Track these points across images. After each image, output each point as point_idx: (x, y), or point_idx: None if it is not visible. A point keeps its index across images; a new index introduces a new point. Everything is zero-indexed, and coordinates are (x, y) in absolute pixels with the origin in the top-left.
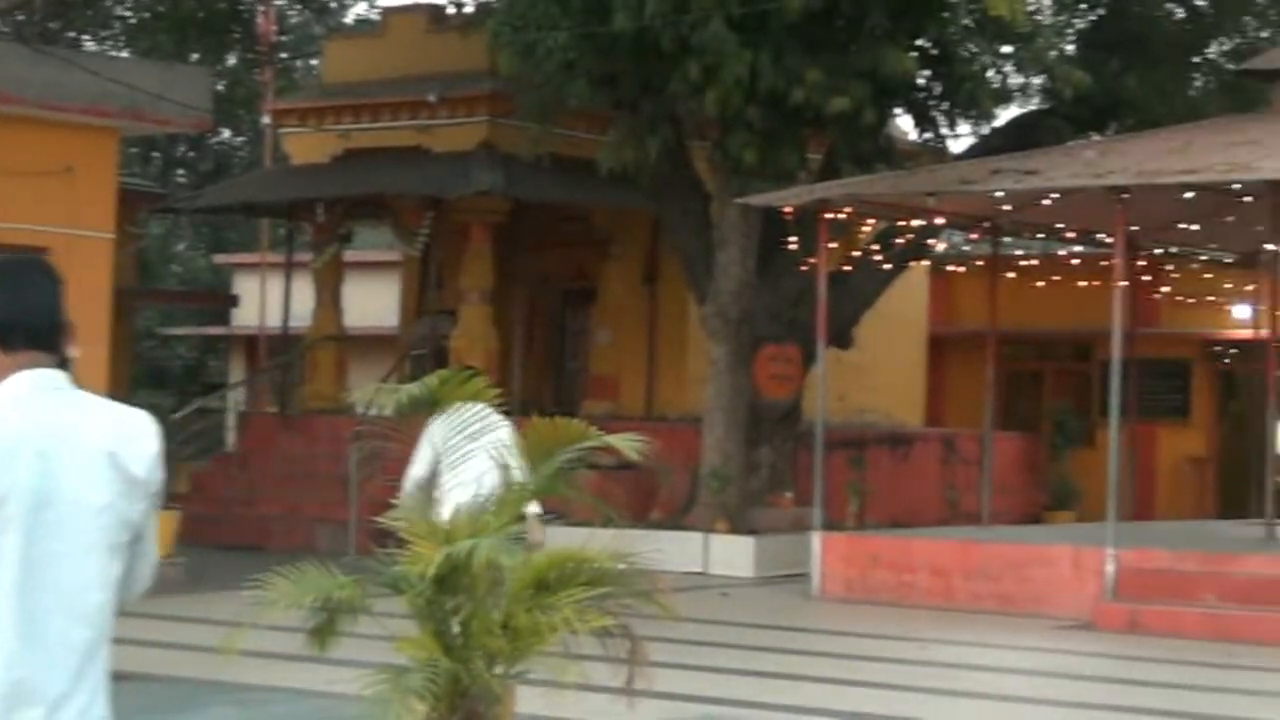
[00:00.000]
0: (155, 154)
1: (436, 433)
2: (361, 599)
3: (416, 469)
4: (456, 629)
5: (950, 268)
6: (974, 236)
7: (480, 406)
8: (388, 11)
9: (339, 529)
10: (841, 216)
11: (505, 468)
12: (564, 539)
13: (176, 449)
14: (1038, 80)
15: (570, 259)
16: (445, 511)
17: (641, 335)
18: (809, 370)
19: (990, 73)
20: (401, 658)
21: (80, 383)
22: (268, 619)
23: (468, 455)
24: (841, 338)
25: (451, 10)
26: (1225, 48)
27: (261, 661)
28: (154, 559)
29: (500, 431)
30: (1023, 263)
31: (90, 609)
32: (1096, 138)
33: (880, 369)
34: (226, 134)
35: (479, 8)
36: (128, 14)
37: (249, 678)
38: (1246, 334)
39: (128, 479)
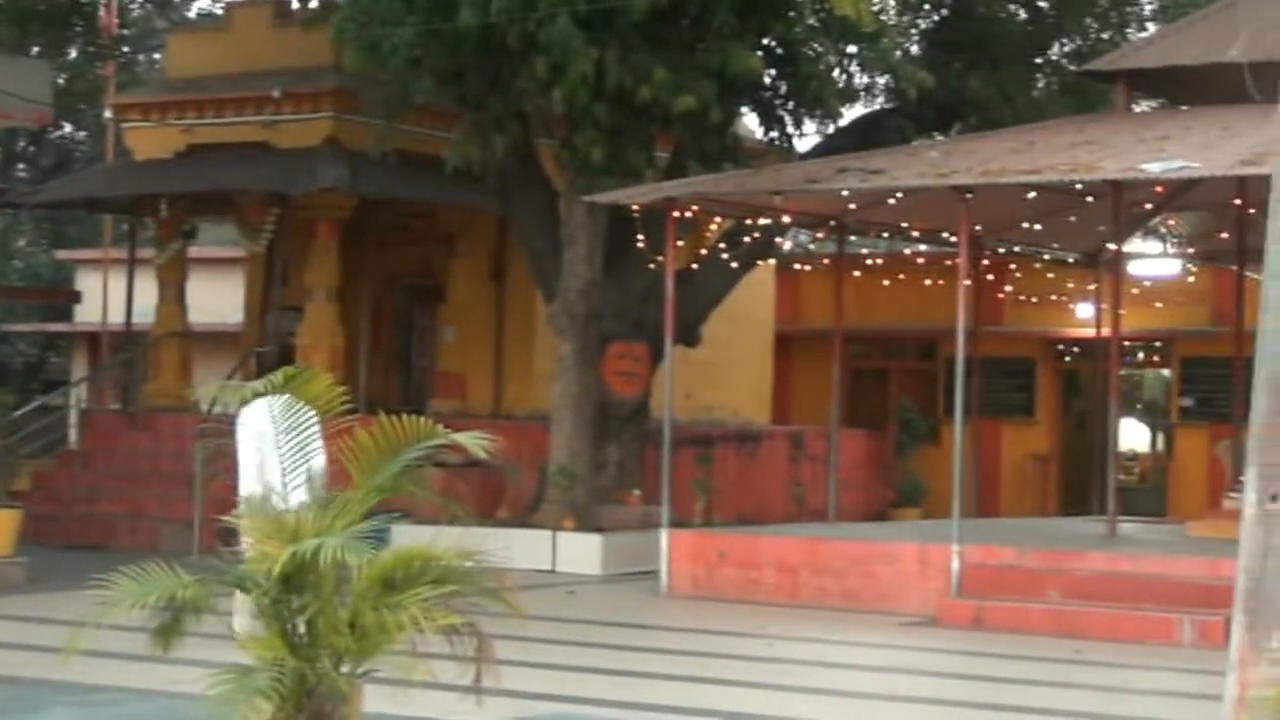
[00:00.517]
0: None
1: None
2: (206, 598)
3: (246, 461)
4: (303, 628)
5: (797, 266)
6: (820, 235)
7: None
8: (231, 5)
9: (183, 528)
10: (688, 215)
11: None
12: (411, 537)
13: (17, 446)
14: (882, 80)
15: (417, 256)
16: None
17: (489, 333)
18: (656, 368)
19: (836, 72)
20: (247, 657)
21: None
22: (111, 618)
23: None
24: (689, 335)
25: (296, 5)
26: (1067, 49)
27: (106, 661)
28: None
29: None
30: (868, 261)
31: None
32: (941, 138)
33: (727, 367)
34: (68, 128)
35: (323, 3)
36: None
37: (93, 678)
38: (1089, 333)
39: None
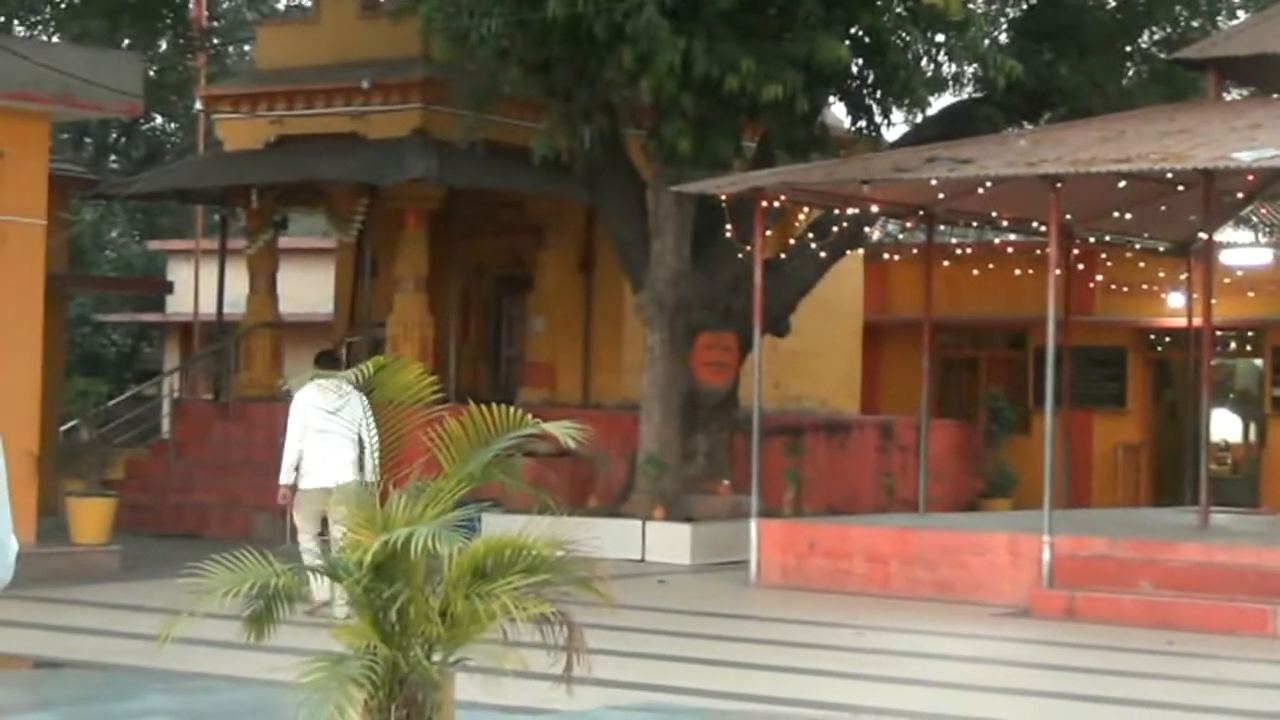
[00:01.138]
0: (87, 139)
1: (303, 410)
2: (299, 587)
3: (293, 441)
4: (394, 617)
5: (885, 256)
6: (909, 225)
7: (334, 382)
8: None
9: (276, 517)
10: (777, 204)
11: (360, 440)
12: (502, 526)
13: (111, 436)
14: (971, 69)
15: (505, 246)
16: (310, 477)
17: (577, 323)
18: (745, 358)
19: (924, 61)
20: (339, 645)
21: (11, 369)
22: (205, 606)
23: (328, 431)
24: (777, 325)
25: None
26: (1157, 37)
27: (200, 649)
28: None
29: (355, 404)
30: (957, 251)
31: None
32: (1030, 127)
33: (816, 356)
34: (159, 120)
35: None
36: None
37: (187, 666)
38: (1181, 322)
39: None
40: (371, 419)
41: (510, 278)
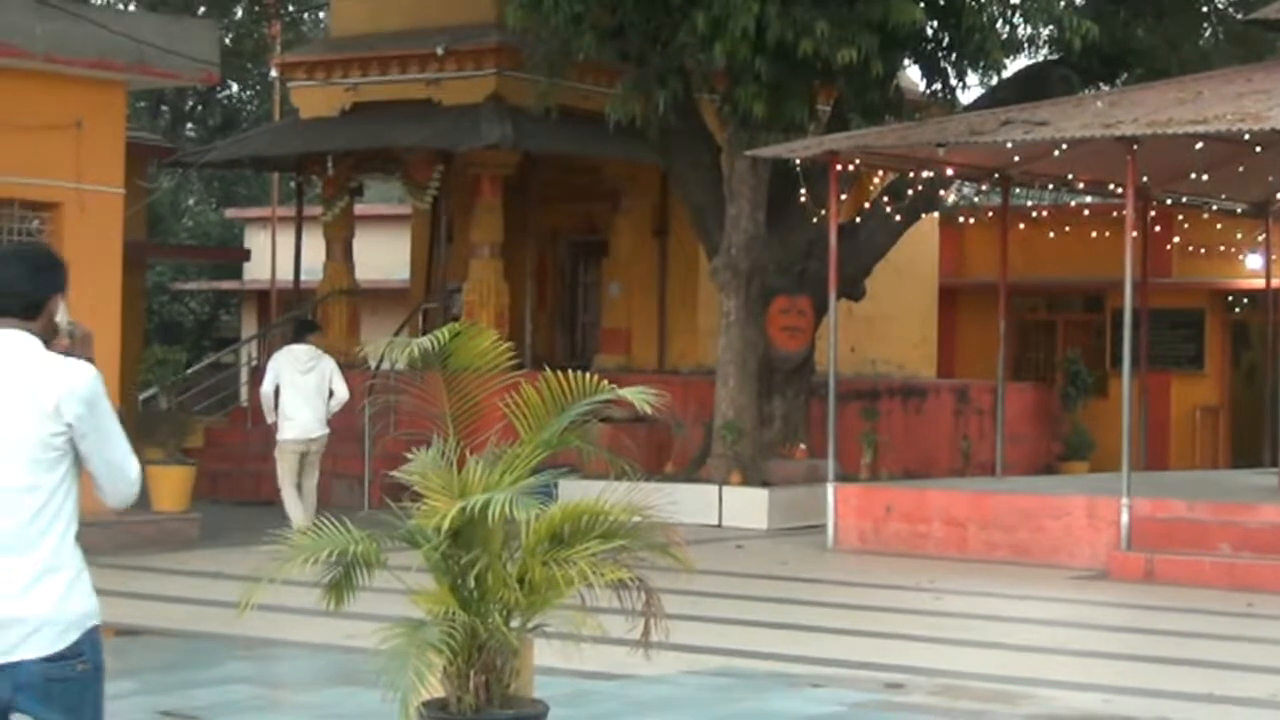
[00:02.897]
0: (164, 108)
1: (279, 364)
2: (377, 553)
3: (266, 386)
4: (472, 583)
5: (961, 219)
6: (984, 188)
7: (310, 348)
8: None
9: (354, 483)
10: (851, 168)
11: (331, 392)
12: (578, 492)
13: (189, 404)
14: (1046, 31)
15: (580, 212)
16: (289, 419)
17: (653, 289)
18: (820, 322)
19: (999, 23)
20: (418, 611)
21: (95, 335)
22: (285, 574)
23: (296, 384)
24: (853, 289)
25: None
26: None
27: (279, 616)
28: (118, 471)
29: (326, 365)
30: (1033, 214)
31: (13, 502)
32: (1105, 88)
33: (892, 320)
34: (234, 88)
35: None
36: None
37: (267, 633)
38: (1258, 284)
39: (42, 410)
40: (340, 377)
41: (585, 243)
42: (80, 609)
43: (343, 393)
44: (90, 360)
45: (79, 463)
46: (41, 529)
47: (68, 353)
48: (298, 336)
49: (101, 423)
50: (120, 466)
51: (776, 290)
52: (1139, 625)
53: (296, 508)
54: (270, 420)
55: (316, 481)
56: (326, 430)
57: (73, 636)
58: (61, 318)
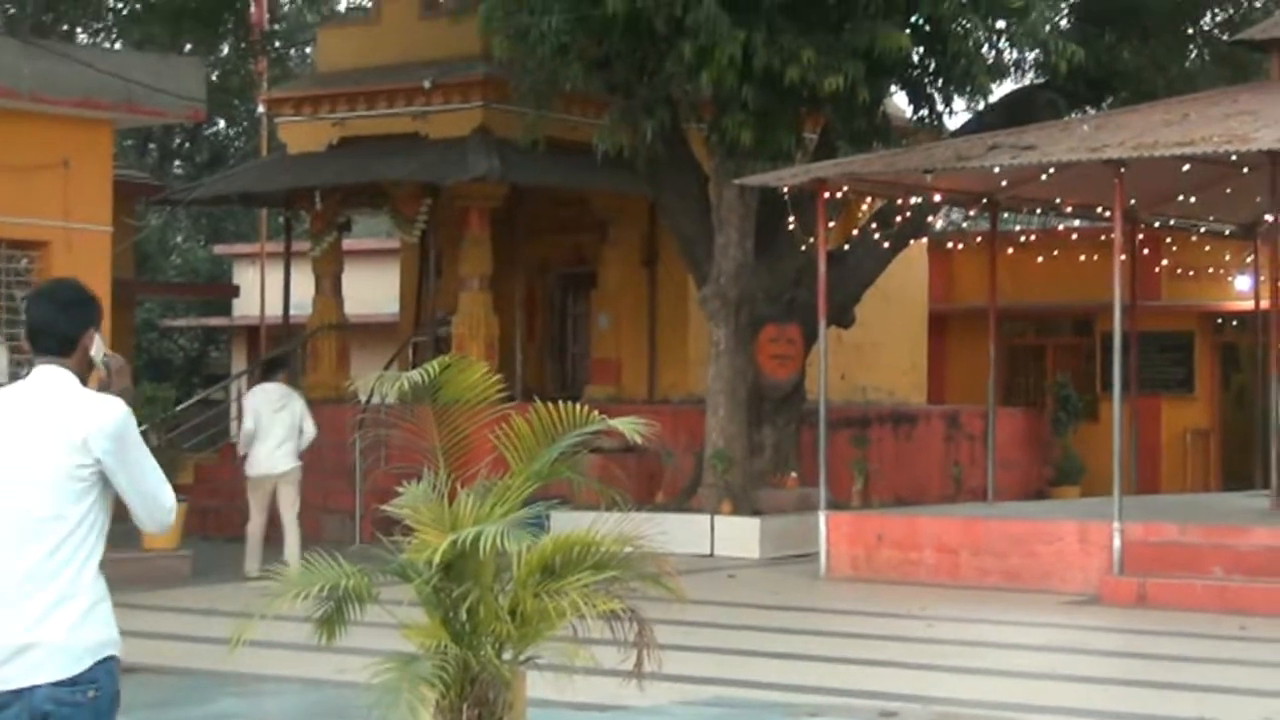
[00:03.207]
0: (151, 145)
1: (256, 401)
2: (369, 587)
3: (248, 423)
4: (464, 616)
5: (949, 244)
6: (972, 213)
7: (280, 386)
8: None
9: (344, 518)
10: (839, 195)
11: (301, 430)
12: (570, 523)
13: (179, 440)
14: (1032, 55)
15: (569, 243)
16: (258, 455)
17: (642, 319)
18: (810, 350)
19: (985, 48)
20: (410, 645)
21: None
22: (276, 609)
23: (270, 421)
24: (842, 316)
25: None
26: (1219, 18)
27: (271, 652)
28: (153, 501)
29: (297, 404)
30: (1022, 238)
31: (38, 530)
32: (1093, 112)
33: (882, 347)
34: (222, 124)
35: None
36: (120, 5)
37: (260, 668)
38: (1248, 305)
39: (70, 443)
40: (309, 416)
41: (574, 274)
42: (96, 638)
43: (311, 431)
44: (127, 389)
45: (107, 495)
46: (64, 559)
47: (104, 385)
48: (267, 375)
49: (131, 455)
50: (154, 496)
51: (766, 318)
52: (1132, 650)
53: (255, 553)
54: (243, 454)
55: (298, 512)
56: (298, 463)
57: (86, 663)
58: (96, 350)
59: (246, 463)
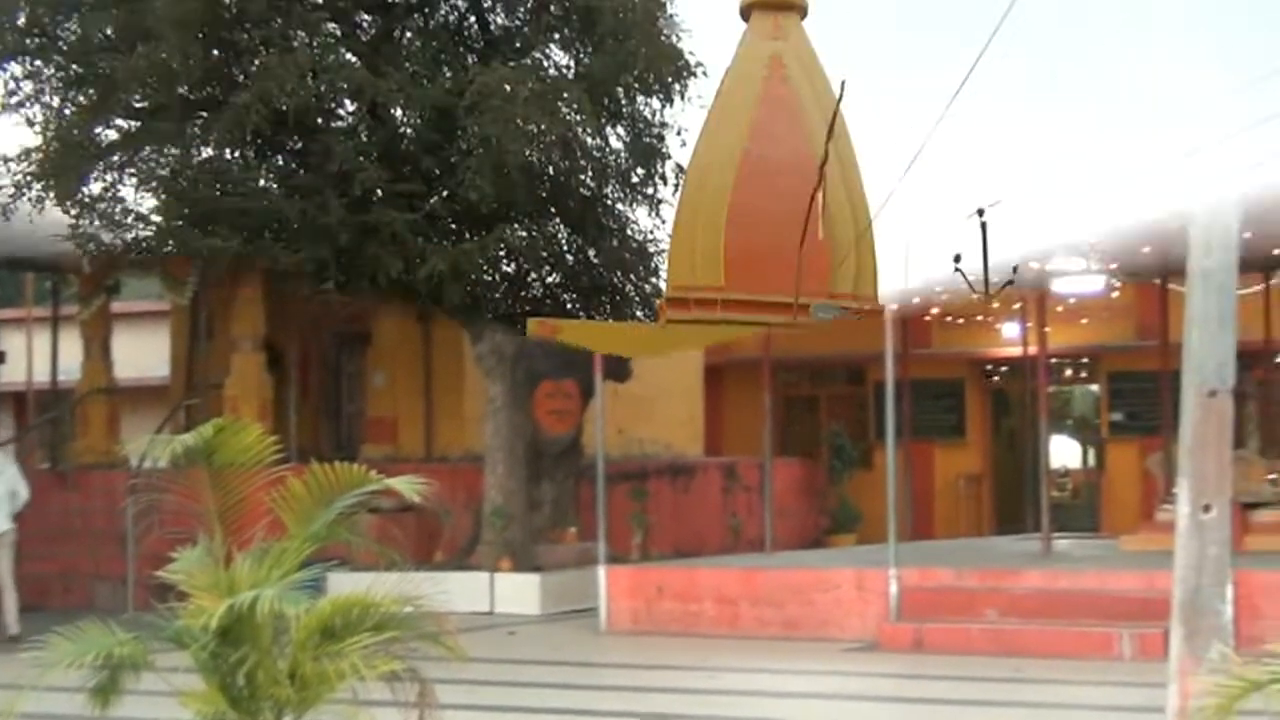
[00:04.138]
0: None
1: None
2: (144, 655)
3: None
4: (242, 681)
5: None
6: None
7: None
8: None
9: (117, 585)
10: None
11: (14, 494)
12: (348, 585)
13: None
14: None
15: (342, 302)
16: None
17: (418, 376)
18: (587, 405)
19: None
20: (187, 713)
21: None
22: (48, 679)
23: None
24: (619, 371)
25: None
26: None
27: None
28: None
29: (11, 469)
30: None
31: None
32: None
33: (658, 400)
34: None
35: None
36: None
37: None
38: (1016, 352)
39: None
40: (23, 480)
41: (348, 333)
42: None
43: (25, 494)
44: None
45: None
46: None
47: None
48: None
49: None
50: None
51: (542, 374)
52: (910, 695)
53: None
54: None
55: (11, 569)
56: (12, 525)
57: None
58: None
59: None
